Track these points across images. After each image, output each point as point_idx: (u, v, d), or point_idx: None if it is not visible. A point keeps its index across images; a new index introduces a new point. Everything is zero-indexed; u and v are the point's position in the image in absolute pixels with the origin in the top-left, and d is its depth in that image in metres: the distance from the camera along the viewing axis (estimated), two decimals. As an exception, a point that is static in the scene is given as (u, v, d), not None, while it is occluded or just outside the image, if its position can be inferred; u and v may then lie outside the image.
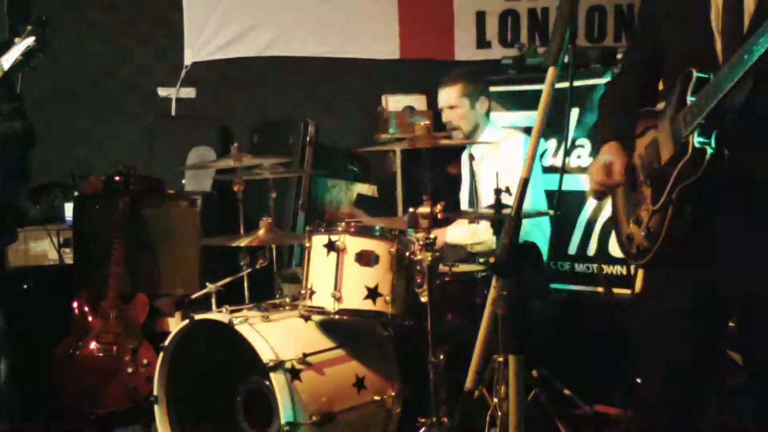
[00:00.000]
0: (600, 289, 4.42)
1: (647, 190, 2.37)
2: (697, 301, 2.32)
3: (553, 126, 4.71)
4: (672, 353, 2.38)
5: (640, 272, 2.52)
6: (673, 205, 2.24)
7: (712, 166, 2.13)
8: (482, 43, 6.11)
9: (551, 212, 4.13)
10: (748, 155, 2.16)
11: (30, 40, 3.71)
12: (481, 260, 4.17)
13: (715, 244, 2.26)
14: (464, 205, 4.63)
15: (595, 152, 2.50)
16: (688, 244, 2.27)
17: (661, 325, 2.42)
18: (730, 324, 2.42)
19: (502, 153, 4.38)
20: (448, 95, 4.47)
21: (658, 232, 2.30)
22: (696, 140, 2.15)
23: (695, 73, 2.19)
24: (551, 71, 1.92)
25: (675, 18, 2.36)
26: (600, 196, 2.53)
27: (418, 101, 5.89)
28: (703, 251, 2.27)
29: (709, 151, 2.12)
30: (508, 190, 3.57)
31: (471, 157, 4.57)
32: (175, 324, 3.75)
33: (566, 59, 1.99)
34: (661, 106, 2.41)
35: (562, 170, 2.26)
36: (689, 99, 2.19)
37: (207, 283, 3.90)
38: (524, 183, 1.91)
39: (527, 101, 4.98)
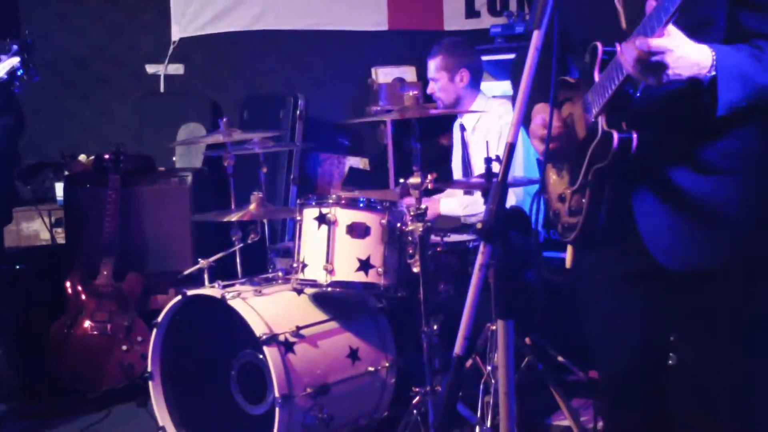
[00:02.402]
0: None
1: (566, 168, 2.30)
2: (626, 276, 2.26)
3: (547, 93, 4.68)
4: (610, 326, 2.34)
5: (570, 248, 2.45)
6: (589, 186, 2.17)
7: (621, 150, 2.05)
8: (471, 12, 6.06)
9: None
10: (658, 137, 2.09)
11: (16, 60, 3.71)
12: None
13: (635, 222, 2.18)
14: (457, 175, 4.62)
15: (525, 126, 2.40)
16: (610, 223, 2.19)
17: (594, 299, 2.38)
18: None
19: (492, 122, 4.37)
20: (431, 66, 4.49)
21: (578, 211, 2.22)
22: (605, 122, 2.07)
23: (600, 47, 2.09)
24: (536, 35, 1.88)
25: None
26: (552, 156, 2.37)
27: (408, 72, 5.86)
28: (625, 229, 2.19)
29: (617, 135, 2.04)
30: (498, 159, 3.55)
31: (462, 128, 4.56)
32: (168, 301, 3.74)
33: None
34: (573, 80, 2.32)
35: (548, 137, 2.20)
36: (596, 75, 2.09)
37: (199, 259, 3.90)
38: (510, 148, 1.88)
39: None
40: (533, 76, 1.89)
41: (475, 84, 4.47)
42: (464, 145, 4.55)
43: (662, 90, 2.04)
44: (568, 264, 2.42)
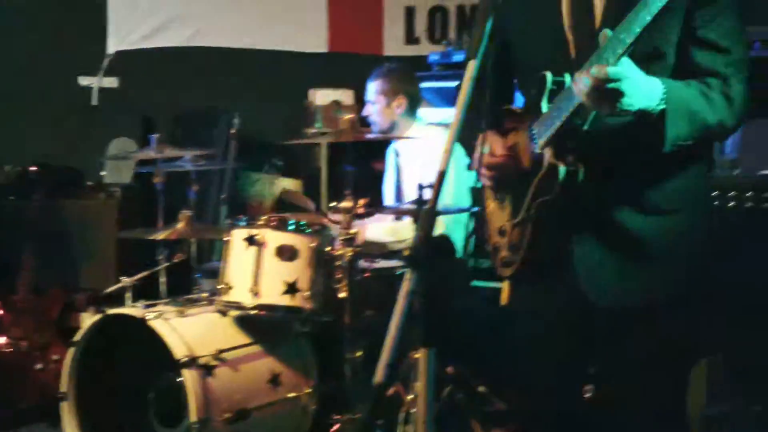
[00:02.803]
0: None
1: (508, 200, 2.28)
2: (555, 310, 2.25)
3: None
4: (533, 357, 2.34)
5: (506, 284, 2.44)
6: (532, 220, 2.15)
7: (566, 185, 2.05)
8: (411, 39, 6.09)
9: (471, 209, 4.12)
10: (604, 172, 2.09)
11: None
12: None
13: (572, 258, 2.17)
14: (388, 201, 4.60)
15: (467, 153, 2.37)
16: (549, 259, 2.18)
17: (521, 330, 2.38)
18: None
19: (426, 149, 4.36)
20: (370, 89, 4.48)
21: (519, 245, 2.20)
22: (550, 155, 2.06)
23: (549, 77, 2.08)
24: (470, 65, 1.87)
25: (524, 15, 2.25)
26: (496, 186, 2.33)
27: (346, 95, 5.84)
28: (563, 267, 2.18)
29: (562, 169, 2.04)
30: (430, 186, 3.54)
31: (396, 153, 4.55)
32: (88, 319, 3.64)
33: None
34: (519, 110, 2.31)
35: (479, 165, 2.19)
36: (544, 106, 2.09)
37: (122, 277, 3.81)
38: (441, 176, 1.87)
39: (454, 98, 4.96)
40: (468, 106, 1.88)
41: (411, 111, 4.47)
42: (397, 171, 4.54)
43: (609, 125, 2.05)
44: (504, 300, 2.40)
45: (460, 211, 3.78)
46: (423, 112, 4.70)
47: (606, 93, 1.90)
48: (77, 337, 3.59)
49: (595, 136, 2.06)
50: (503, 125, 2.27)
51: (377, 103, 4.43)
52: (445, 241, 4.02)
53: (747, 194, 3.44)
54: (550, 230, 2.14)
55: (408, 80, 4.51)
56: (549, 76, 2.08)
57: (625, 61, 1.90)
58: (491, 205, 2.39)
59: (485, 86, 1.99)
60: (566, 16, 2.15)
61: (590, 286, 2.15)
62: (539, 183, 2.09)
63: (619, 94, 1.91)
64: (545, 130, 2.06)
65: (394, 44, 6.07)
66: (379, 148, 4.96)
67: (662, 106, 1.97)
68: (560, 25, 2.14)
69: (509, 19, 2.26)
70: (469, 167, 2.32)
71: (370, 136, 4.10)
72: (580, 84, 1.93)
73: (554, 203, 2.08)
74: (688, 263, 2.15)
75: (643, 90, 1.94)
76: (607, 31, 1.92)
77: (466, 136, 2.23)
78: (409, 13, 6.08)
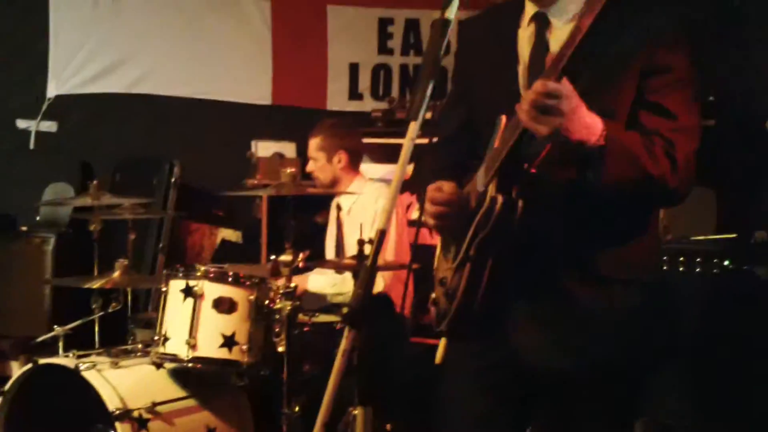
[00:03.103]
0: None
1: (453, 248, 2.18)
2: (488, 368, 2.20)
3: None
4: (467, 417, 2.25)
5: (443, 341, 2.27)
6: (470, 261, 2.06)
7: (504, 219, 1.99)
8: (354, 94, 6.16)
9: (411, 266, 4.15)
10: (545, 222, 2.06)
11: None
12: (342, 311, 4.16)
13: (509, 317, 2.12)
14: (329, 254, 4.61)
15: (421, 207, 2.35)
16: (485, 308, 2.08)
17: (455, 389, 2.29)
18: None
19: (368, 204, 4.39)
20: (310, 145, 4.52)
21: (455, 292, 2.10)
22: (492, 188, 2.03)
23: (504, 120, 2.07)
24: (412, 126, 1.87)
25: (484, 76, 2.26)
26: (441, 228, 2.27)
27: (288, 148, 5.86)
28: (498, 323, 2.13)
29: (500, 200, 1.99)
30: (371, 241, 3.56)
31: (338, 207, 4.57)
32: (18, 368, 3.56)
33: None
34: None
35: (419, 222, 2.20)
36: (496, 143, 2.07)
37: (55, 326, 3.74)
38: (381, 234, 1.88)
39: (396, 154, 5.01)
40: (406, 165, 1.90)
41: (353, 166, 4.50)
42: (339, 225, 4.56)
43: (558, 173, 2.03)
44: (438, 359, 2.34)
45: (400, 267, 3.80)
46: (365, 167, 4.74)
47: (546, 108, 1.87)
48: (7, 386, 3.50)
49: (540, 180, 2.03)
50: (462, 186, 2.25)
51: (318, 159, 4.47)
52: (383, 298, 4.03)
53: (679, 259, 3.53)
54: (488, 275, 2.06)
55: (348, 135, 4.55)
56: (503, 118, 2.08)
57: (568, 84, 1.88)
58: (438, 257, 2.35)
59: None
60: (522, 77, 2.16)
61: (525, 346, 2.12)
62: (479, 220, 2.04)
63: (557, 111, 1.87)
64: (491, 166, 2.05)
65: (337, 99, 6.13)
66: (321, 201, 4.99)
67: (602, 143, 1.93)
68: (516, 85, 2.16)
69: (471, 83, 2.31)
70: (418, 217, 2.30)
71: (311, 190, 4.12)
72: (523, 102, 1.91)
73: (492, 241, 2.02)
74: (627, 330, 2.12)
75: (582, 118, 1.91)
76: (551, 56, 1.93)
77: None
78: (353, 69, 6.16)
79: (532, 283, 2.11)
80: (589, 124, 1.92)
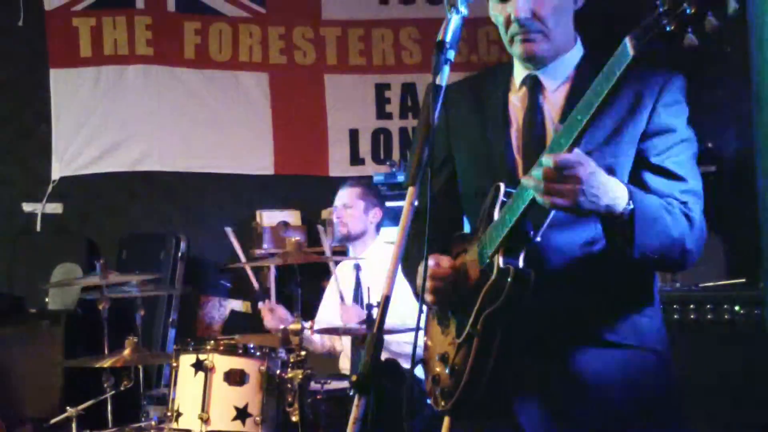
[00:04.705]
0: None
1: (453, 321, 2.11)
2: None
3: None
4: None
5: (446, 420, 2.19)
6: (478, 337, 1.98)
7: (516, 291, 1.91)
8: (356, 159, 6.21)
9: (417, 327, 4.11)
10: (553, 292, 1.99)
11: None
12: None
13: (520, 387, 2.06)
14: (328, 316, 4.55)
15: (411, 284, 2.29)
16: (492, 388, 2.00)
17: None
18: None
19: (376, 268, 4.38)
20: (347, 193, 4.50)
21: (462, 369, 2.01)
22: (501, 260, 1.94)
23: (502, 187, 2.02)
24: (410, 191, 1.87)
25: (472, 140, 2.21)
26: (440, 303, 2.17)
27: (293, 216, 5.89)
28: (506, 402, 2.06)
29: (512, 271, 1.91)
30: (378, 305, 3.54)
31: (358, 267, 4.53)
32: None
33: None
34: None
35: (423, 285, 2.16)
36: (496, 214, 2.00)
37: (68, 407, 3.73)
38: (386, 300, 1.87)
39: (398, 218, 5.03)
40: (407, 230, 1.89)
41: (379, 227, 4.52)
42: (358, 284, 4.51)
43: (560, 239, 2.00)
44: None
45: (410, 330, 3.78)
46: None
47: (561, 181, 1.79)
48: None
49: (546, 250, 1.99)
50: (451, 251, 2.19)
51: (354, 207, 4.45)
52: (393, 364, 3.98)
53: (690, 306, 3.51)
54: (497, 351, 1.98)
55: (381, 198, 4.59)
56: (502, 186, 2.03)
57: (578, 151, 1.81)
58: (433, 331, 2.25)
59: (427, 215, 1.90)
60: (515, 140, 2.13)
61: (533, 421, 2.05)
62: (487, 293, 1.96)
63: (575, 180, 1.78)
64: (496, 237, 1.97)
65: (339, 165, 6.19)
66: (327, 267, 4.97)
67: (632, 206, 1.85)
68: (509, 148, 2.13)
69: (455, 149, 2.27)
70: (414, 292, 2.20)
71: (315, 258, 4.12)
72: (531, 178, 1.83)
73: (502, 315, 1.95)
74: (644, 402, 2.06)
75: (605, 183, 1.83)
76: (559, 124, 1.87)
77: (413, 264, 2.15)
78: (353, 135, 6.23)
79: (539, 354, 2.05)
80: (613, 187, 1.84)
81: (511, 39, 2.11)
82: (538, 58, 2.12)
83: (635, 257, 1.88)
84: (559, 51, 2.13)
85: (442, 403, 2.11)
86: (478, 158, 2.20)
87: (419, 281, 2.05)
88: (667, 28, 1.65)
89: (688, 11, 1.63)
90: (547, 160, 1.80)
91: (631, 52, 1.70)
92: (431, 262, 2.09)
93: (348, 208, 4.48)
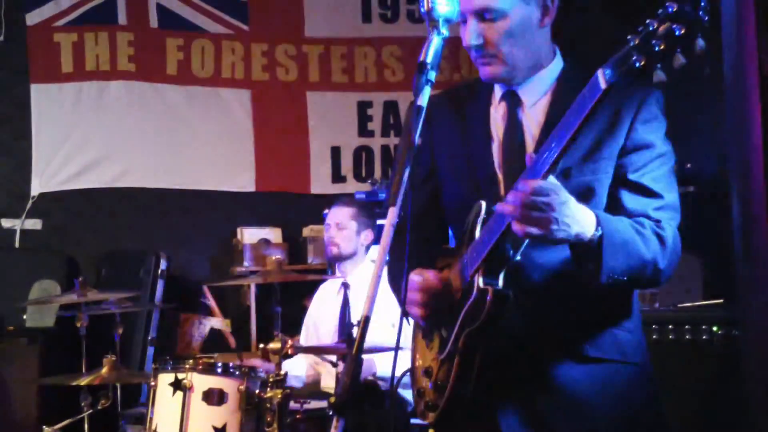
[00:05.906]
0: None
1: (437, 337, 2.14)
2: None
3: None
4: None
5: None
6: (459, 354, 2.01)
7: (496, 311, 1.94)
8: (337, 177, 6.20)
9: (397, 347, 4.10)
10: (533, 309, 2.04)
11: None
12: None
13: (503, 402, 2.08)
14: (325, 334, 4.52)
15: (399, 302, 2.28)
16: (475, 401, 2.04)
17: None
18: None
19: (365, 288, 4.34)
20: (341, 213, 4.48)
21: (444, 384, 2.05)
22: (481, 280, 1.96)
23: (483, 205, 2.05)
24: (391, 211, 1.86)
25: (455, 153, 2.23)
26: (425, 318, 2.17)
27: (274, 233, 5.87)
28: (489, 415, 2.08)
29: (491, 292, 1.93)
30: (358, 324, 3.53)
31: (346, 286, 4.51)
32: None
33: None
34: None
35: (403, 303, 2.17)
36: (477, 232, 2.03)
37: (44, 426, 3.70)
38: (365, 321, 1.87)
39: (379, 236, 5.04)
40: (388, 249, 1.88)
41: (368, 248, 4.50)
42: (345, 303, 4.48)
43: (539, 259, 2.03)
44: None
45: (390, 349, 3.77)
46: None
47: (535, 208, 1.83)
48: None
49: (526, 268, 2.02)
50: (436, 265, 2.20)
51: (347, 228, 4.43)
52: (373, 385, 3.97)
53: (668, 327, 3.53)
54: (478, 367, 2.02)
55: (374, 219, 4.55)
56: (483, 204, 2.05)
57: (554, 180, 1.85)
58: (418, 345, 2.27)
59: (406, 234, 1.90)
60: (497, 155, 2.15)
61: None
62: (468, 311, 1.99)
63: (549, 208, 1.83)
64: (476, 257, 1.99)
65: (321, 183, 6.17)
66: (308, 285, 4.96)
67: (599, 233, 1.89)
68: (491, 164, 2.14)
69: (438, 163, 2.28)
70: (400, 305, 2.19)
71: (295, 277, 4.11)
72: (507, 205, 1.86)
73: (482, 333, 1.98)
74: (628, 415, 2.09)
75: (575, 212, 1.87)
76: (533, 153, 1.90)
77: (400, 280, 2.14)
78: (335, 152, 6.22)
79: (521, 370, 2.08)
80: (583, 217, 1.89)
81: (474, 62, 2.17)
82: (501, 79, 2.16)
83: (602, 282, 1.91)
84: (534, 68, 2.14)
85: (427, 416, 2.15)
86: (461, 173, 2.21)
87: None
88: (637, 64, 1.68)
89: (657, 48, 1.66)
90: (523, 185, 1.84)
91: (602, 85, 1.74)
92: (417, 277, 2.12)
93: (341, 229, 4.45)
